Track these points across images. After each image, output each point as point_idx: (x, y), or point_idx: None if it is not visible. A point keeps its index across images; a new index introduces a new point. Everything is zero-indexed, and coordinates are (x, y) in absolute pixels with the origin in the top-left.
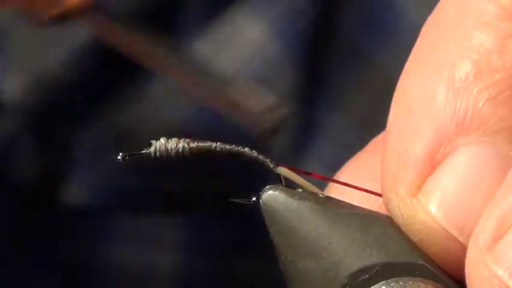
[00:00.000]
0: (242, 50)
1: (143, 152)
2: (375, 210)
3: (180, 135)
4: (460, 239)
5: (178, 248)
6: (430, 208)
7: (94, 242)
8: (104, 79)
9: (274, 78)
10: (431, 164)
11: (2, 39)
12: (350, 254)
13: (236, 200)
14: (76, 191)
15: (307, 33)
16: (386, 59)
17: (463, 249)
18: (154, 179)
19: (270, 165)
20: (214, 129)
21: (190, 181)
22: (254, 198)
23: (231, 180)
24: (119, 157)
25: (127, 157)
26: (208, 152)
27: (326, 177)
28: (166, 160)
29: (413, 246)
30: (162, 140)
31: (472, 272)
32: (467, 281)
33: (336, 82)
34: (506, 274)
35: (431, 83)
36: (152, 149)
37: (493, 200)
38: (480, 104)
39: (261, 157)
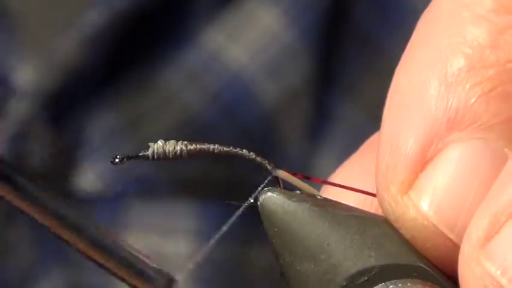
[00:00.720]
0: (257, 38)
1: (141, 154)
2: (372, 211)
3: (191, 122)
4: (451, 236)
5: (191, 236)
6: (421, 205)
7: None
8: (117, 66)
9: (289, 66)
10: (423, 161)
11: (14, 25)
12: (348, 256)
13: (234, 202)
14: (89, 178)
15: (322, 22)
16: (397, 48)
17: (455, 246)
18: (167, 166)
19: (268, 167)
20: (228, 117)
21: (203, 169)
22: (252, 200)
23: (244, 168)
24: (116, 160)
25: (124, 159)
26: (206, 154)
27: (323, 180)
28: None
29: (412, 248)
30: (160, 142)
31: (465, 269)
32: (460, 279)
33: (348, 71)
34: (499, 272)
35: (424, 78)
36: (150, 151)
37: (487, 198)
38: (473, 100)
39: (258, 159)
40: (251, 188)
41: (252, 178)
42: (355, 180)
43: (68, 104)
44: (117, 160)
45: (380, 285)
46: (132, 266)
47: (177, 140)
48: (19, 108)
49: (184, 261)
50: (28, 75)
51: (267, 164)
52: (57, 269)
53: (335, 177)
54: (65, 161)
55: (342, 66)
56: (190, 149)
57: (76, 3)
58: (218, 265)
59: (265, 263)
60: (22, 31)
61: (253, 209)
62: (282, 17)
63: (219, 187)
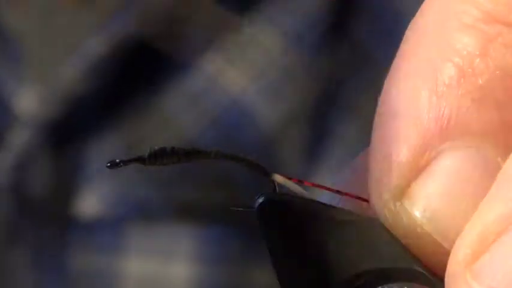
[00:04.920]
0: (256, 61)
1: (136, 158)
2: (369, 216)
3: (190, 146)
4: (445, 244)
5: (192, 259)
6: (415, 213)
7: (106, 253)
8: (117, 92)
9: (288, 89)
10: (416, 169)
11: (17, 50)
12: (345, 259)
13: (229, 207)
14: (89, 202)
15: (321, 44)
16: None
17: (449, 254)
18: (167, 189)
19: (264, 172)
20: (227, 142)
21: (203, 192)
22: (248, 205)
23: (244, 190)
24: (112, 164)
25: (121, 164)
26: (201, 157)
27: (319, 185)
28: (161, 165)
29: (408, 252)
30: (156, 147)
31: (451, 286)
32: None
33: (347, 91)
34: None
35: (415, 88)
36: (146, 155)
37: (477, 212)
38: (464, 109)
39: (254, 163)
40: (252, 212)
41: (253, 199)
42: (350, 187)
43: (69, 130)
44: (112, 165)
45: None
46: None
47: (173, 146)
48: (20, 136)
49: (185, 284)
50: (29, 103)
51: (263, 168)
52: None
53: (333, 185)
54: (66, 185)
55: (340, 86)
56: (187, 153)
57: (78, 32)
58: (219, 287)
59: (267, 282)
60: (24, 59)
61: (250, 214)
62: (281, 41)
63: (220, 210)
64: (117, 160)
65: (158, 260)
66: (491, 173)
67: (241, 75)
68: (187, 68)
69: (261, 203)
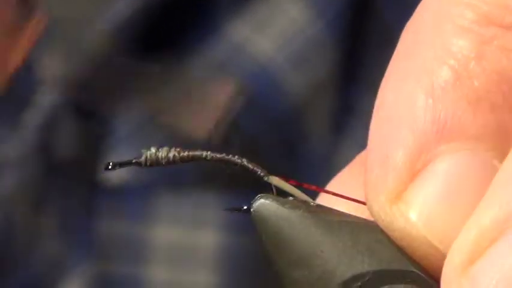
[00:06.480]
0: (282, 30)
1: (133, 161)
2: (366, 218)
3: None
4: (441, 247)
5: (220, 227)
6: (410, 216)
7: (132, 220)
8: (143, 54)
9: (314, 59)
10: (412, 172)
11: (41, 11)
12: (342, 261)
13: (226, 209)
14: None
15: (347, 14)
16: None
17: (444, 256)
18: None
19: (261, 174)
20: (253, 109)
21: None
22: (245, 207)
23: (271, 160)
24: (109, 167)
25: (117, 166)
26: (199, 160)
27: (316, 188)
28: (157, 167)
29: (405, 254)
30: (153, 149)
31: None
32: None
33: (372, 63)
34: None
35: (411, 90)
36: (142, 158)
37: (472, 215)
38: (460, 112)
39: (250, 166)
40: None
41: (280, 169)
42: (347, 193)
43: (95, 93)
44: (109, 167)
45: None
46: None
47: (170, 147)
48: (45, 98)
49: (211, 252)
50: (55, 65)
51: (259, 171)
52: (85, 259)
53: (329, 188)
54: (93, 151)
55: (365, 59)
56: (183, 156)
57: None
58: (242, 257)
59: None
60: (49, 20)
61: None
62: (307, 9)
63: (248, 178)
64: (114, 162)
65: (186, 228)
66: (487, 175)
67: (268, 43)
68: (214, 35)
69: (257, 205)
